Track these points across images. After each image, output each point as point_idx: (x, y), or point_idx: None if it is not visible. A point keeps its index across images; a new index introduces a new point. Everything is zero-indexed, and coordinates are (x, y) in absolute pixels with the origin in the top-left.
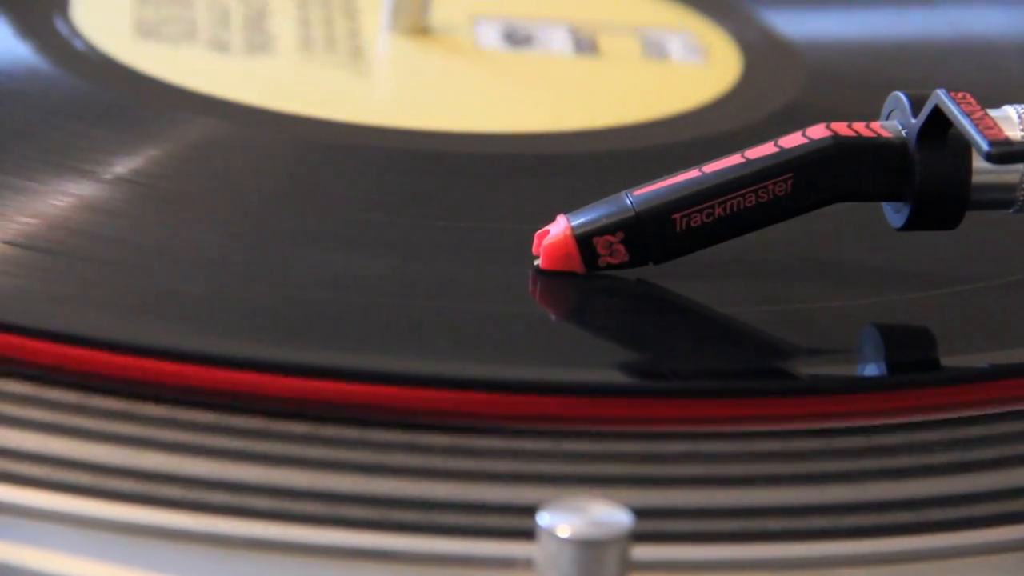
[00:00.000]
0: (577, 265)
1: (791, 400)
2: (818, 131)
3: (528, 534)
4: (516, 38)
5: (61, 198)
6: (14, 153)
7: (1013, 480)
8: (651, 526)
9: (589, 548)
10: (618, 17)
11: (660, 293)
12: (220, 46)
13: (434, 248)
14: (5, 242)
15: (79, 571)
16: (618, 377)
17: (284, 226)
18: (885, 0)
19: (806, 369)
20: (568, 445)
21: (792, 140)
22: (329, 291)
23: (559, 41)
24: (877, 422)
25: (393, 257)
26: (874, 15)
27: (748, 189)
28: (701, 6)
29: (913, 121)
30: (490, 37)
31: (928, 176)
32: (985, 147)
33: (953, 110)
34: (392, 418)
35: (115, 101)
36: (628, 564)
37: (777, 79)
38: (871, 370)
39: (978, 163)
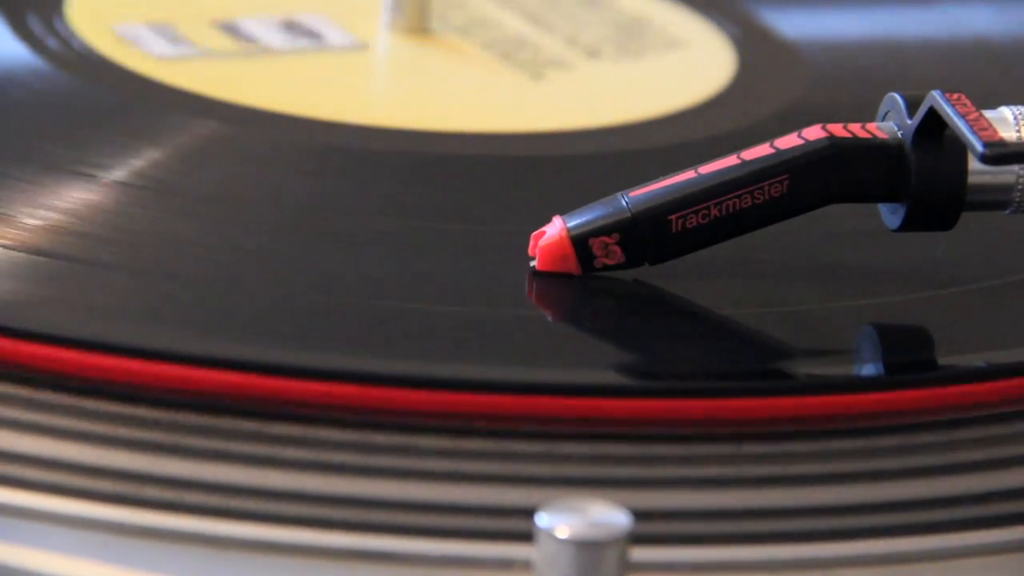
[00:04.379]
0: (573, 266)
1: (789, 401)
2: (814, 132)
3: (527, 535)
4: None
5: (59, 200)
6: (13, 154)
7: (1013, 480)
8: (650, 527)
9: (588, 549)
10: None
11: (657, 294)
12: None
13: (430, 249)
14: (3, 245)
15: (78, 571)
16: (615, 378)
17: (283, 227)
18: (882, 0)
19: (804, 370)
20: (566, 446)
21: (788, 141)
22: (327, 292)
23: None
24: (875, 422)
25: (390, 258)
26: (871, 15)
27: (744, 190)
28: (698, 5)
29: (909, 122)
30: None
31: (924, 177)
32: (980, 148)
33: (948, 111)
34: (389, 419)
35: (115, 101)
36: (627, 565)
37: (774, 79)
38: (869, 370)
39: (974, 164)
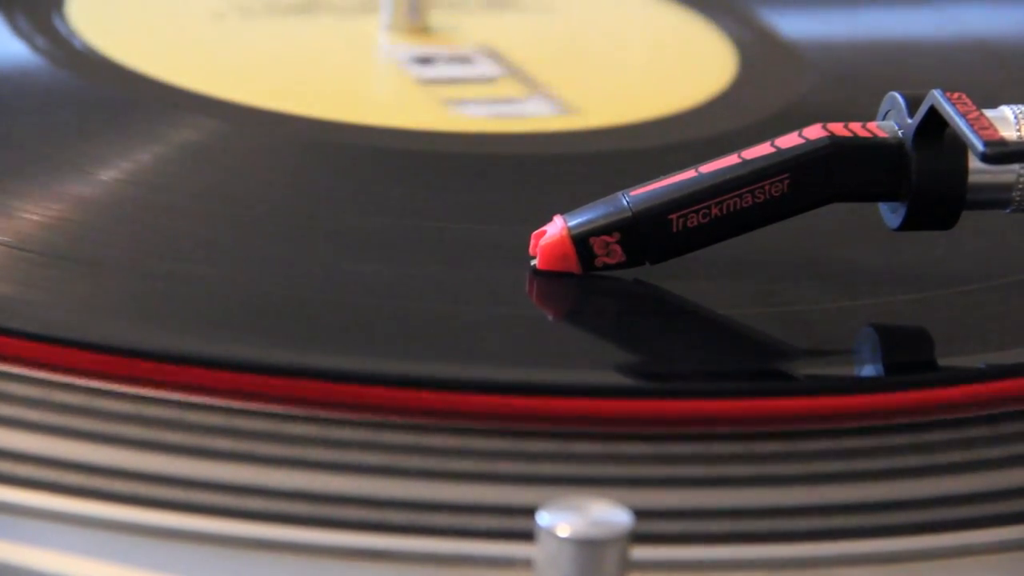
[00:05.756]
0: (574, 265)
1: (788, 401)
2: (814, 131)
3: (528, 534)
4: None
5: (59, 198)
6: (12, 153)
7: (1011, 480)
8: (650, 526)
9: (589, 548)
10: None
11: (657, 293)
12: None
13: (432, 248)
14: (4, 243)
15: (79, 571)
16: (615, 378)
17: (283, 227)
18: (883, 0)
19: (804, 370)
20: (567, 445)
21: (788, 140)
22: (327, 292)
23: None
24: (875, 422)
25: (391, 258)
26: (872, 15)
27: (744, 189)
28: (699, 5)
29: (909, 121)
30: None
31: (924, 176)
32: (980, 147)
33: (949, 110)
34: (388, 418)
35: (115, 101)
36: (627, 564)
37: (774, 79)
38: (868, 371)
39: (974, 163)
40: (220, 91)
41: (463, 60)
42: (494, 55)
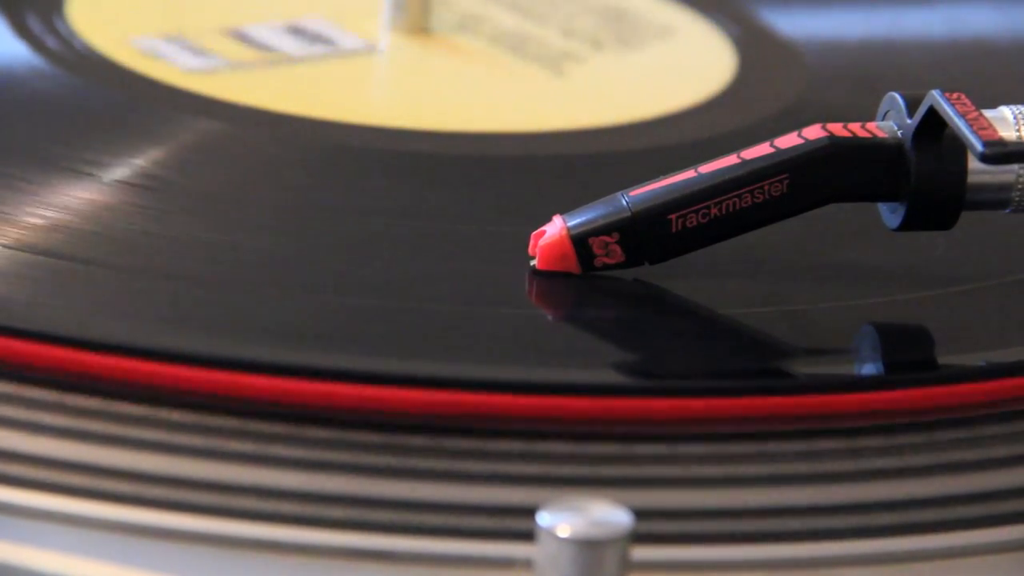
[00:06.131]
0: (573, 265)
1: (789, 400)
2: (814, 131)
3: (528, 535)
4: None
5: (60, 199)
6: (13, 154)
7: (1013, 480)
8: (650, 526)
9: (589, 548)
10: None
11: (657, 293)
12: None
13: (431, 249)
14: (4, 245)
15: (79, 571)
16: (615, 377)
17: (282, 227)
18: (883, 0)
19: (804, 369)
20: (566, 445)
21: (788, 141)
22: (327, 292)
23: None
24: (875, 422)
25: (391, 258)
26: (871, 15)
27: (744, 190)
28: (699, 5)
29: (909, 122)
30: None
31: (923, 176)
32: (979, 147)
33: (948, 111)
34: (390, 420)
35: (115, 101)
36: (628, 564)
37: (774, 79)
38: (868, 370)
39: (973, 163)
40: (220, 91)
41: (325, 40)
42: (371, 50)
